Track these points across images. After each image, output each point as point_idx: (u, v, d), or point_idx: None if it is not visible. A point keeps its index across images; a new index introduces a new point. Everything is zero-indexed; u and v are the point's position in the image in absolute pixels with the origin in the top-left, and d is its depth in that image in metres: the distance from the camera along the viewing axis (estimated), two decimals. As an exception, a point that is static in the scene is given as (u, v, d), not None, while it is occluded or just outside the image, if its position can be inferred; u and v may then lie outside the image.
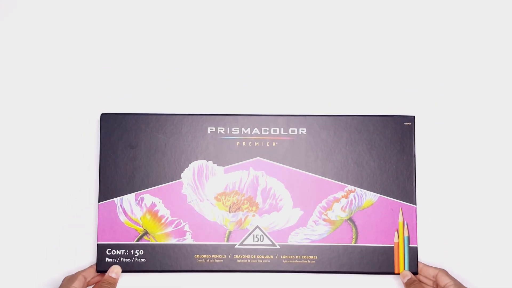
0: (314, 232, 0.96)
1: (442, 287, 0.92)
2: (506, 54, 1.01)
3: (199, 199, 0.96)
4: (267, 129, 0.97)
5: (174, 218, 0.96)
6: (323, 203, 0.96)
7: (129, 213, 0.96)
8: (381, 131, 0.97)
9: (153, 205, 0.96)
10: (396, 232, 0.95)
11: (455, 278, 0.93)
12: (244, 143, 0.97)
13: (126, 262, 0.95)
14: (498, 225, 0.98)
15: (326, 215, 0.96)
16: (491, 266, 0.98)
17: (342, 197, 0.96)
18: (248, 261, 0.95)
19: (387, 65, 1.01)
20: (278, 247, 0.96)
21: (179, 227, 0.96)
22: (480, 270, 0.97)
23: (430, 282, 0.94)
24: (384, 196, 0.96)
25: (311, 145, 0.97)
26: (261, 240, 0.96)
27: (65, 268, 0.97)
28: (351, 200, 0.96)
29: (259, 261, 0.95)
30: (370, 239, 0.95)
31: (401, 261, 0.95)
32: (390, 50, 1.01)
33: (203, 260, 0.95)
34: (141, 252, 0.95)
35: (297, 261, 0.95)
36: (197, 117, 0.97)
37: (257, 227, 0.96)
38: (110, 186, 0.96)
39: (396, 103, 1.00)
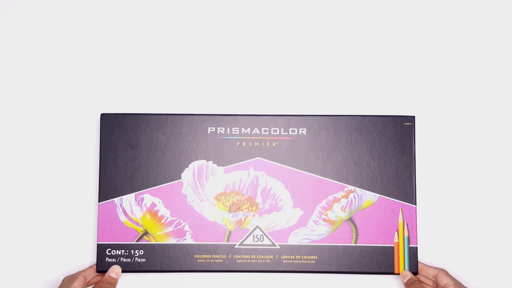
0: (314, 232, 0.96)
1: (442, 287, 0.92)
2: (506, 54, 1.01)
3: (199, 199, 0.96)
4: (267, 129, 0.97)
5: (174, 218, 0.96)
6: (323, 203, 0.96)
7: (129, 213, 0.96)
8: (381, 131, 0.97)
9: (153, 205, 0.96)
10: (396, 232, 0.95)
11: (455, 278, 0.93)
12: (244, 143, 0.97)
13: (126, 262, 0.95)
14: (498, 225, 0.98)
15: (326, 215, 0.96)
16: (491, 266, 0.98)
17: (342, 197, 0.96)
18: (248, 261, 0.95)
19: (387, 65, 1.01)
20: (278, 247, 0.96)
21: (179, 227, 0.96)
22: (480, 270, 0.97)
23: (430, 282, 0.94)
24: (384, 196, 0.96)
25: (311, 145, 0.97)
26: (261, 240, 0.96)
27: (65, 268, 0.97)
28: (351, 200, 0.96)
29: (259, 261, 0.95)
30: (370, 239, 0.95)
31: (401, 261, 0.95)
32: (390, 50, 1.01)
33: (203, 260, 0.95)
34: (141, 252, 0.95)
35: (297, 261, 0.95)
36: (197, 117, 0.97)
37: (257, 227, 0.96)
38: (110, 186, 0.96)
39: (396, 103, 1.00)
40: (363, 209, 0.96)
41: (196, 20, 1.02)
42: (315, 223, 0.96)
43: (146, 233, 0.96)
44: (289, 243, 0.95)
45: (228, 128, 0.97)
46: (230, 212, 0.96)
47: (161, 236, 0.95)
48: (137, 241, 0.95)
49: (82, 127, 0.99)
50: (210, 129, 0.97)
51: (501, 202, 0.99)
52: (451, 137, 1.00)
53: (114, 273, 0.94)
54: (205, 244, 0.95)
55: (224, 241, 0.95)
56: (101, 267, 0.95)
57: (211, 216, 0.96)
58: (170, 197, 0.96)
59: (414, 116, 0.97)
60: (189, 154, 0.96)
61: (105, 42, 1.01)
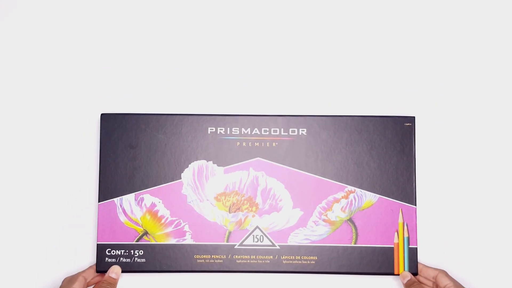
0: (314, 233, 0.96)
1: (442, 288, 0.92)
2: (506, 54, 1.01)
3: (199, 199, 0.96)
4: (267, 129, 0.97)
5: (174, 218, 0.96)
6: (323, 203, 0.96)
7: (129, 213, 0.96)
8: (381, 131, 0.97)
9: (153, 205, 0.96)
10: (396, 233, 0.95)
11: (455, 279, 0.93)
12: (244, 144, 0.97)
13: (126, 262, 0.95)
14: (498, 226, 0.98)
15: (326, 215, 0.96)
16: (491, 267, 0.98)
17: (342, 197, 0.96)
18: (248, 261, 0.95)
19: (387, 65, 1.01)
20: (278, 247, 0.96)
21: (179, 227, 0.96)
22: (480, 271, 0.97)
23: (430, 283, 0.94)
24: (384, 197, 0.96)
25: (311, 145, 0.97)
26: (261, 240, 0.96)
27: (65, 268, 0.97)
28: (351, 200, 0.96)
29: (258, 261, 0.95)
30: (370, 240, 0.95)
31: (401, 262, 0.95)
32: (390, 50, 1.01)
33: (203, 261, 0.95)
34: (141, 252, 0.95)
35: (297, 262, 0.95)
36: (197, 117, 0.97)
37: (257, 227, 0.96)
38: (110, 186, 0.96)
39: (396, 103, 1.00)
40: (363, 209, 0.96)
41: (196, 20, 1.02)
42: (315, 223, 0.96)
43: (146, 233, 0.96)
44: (289, 243, 0.95)
45: (228, 128, 0.97)
46: (230, 212, 0.96)
47: (161, 236, 0.95)
48: (137, 241, 0.95)
49: (82, 127, 0.99)
50: (210, 129, 0.97)
51: (501, 203, 0.99)
52: (451, 137, 1.00)
53: (114, 273, 0.94)
54: (205, 245, 0.95)
55: (224, 242, 0.95)
56: (101, 267, 0.95)
57: (211, 216, 0.96)
58: (170, 197, 0.96)
59: (414, 117, 0.97)
60: (189, 154, 0.96)
61: (105, 42, 1.01)
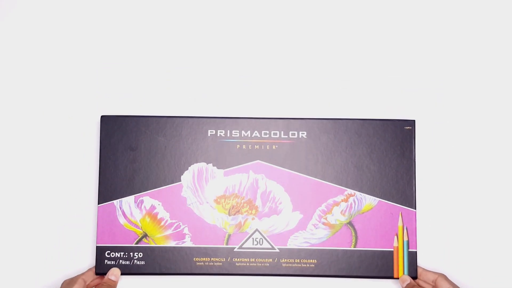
0: (314, 236, 0.96)
1: (441, 292, 0.92)
2: (506, 58, 1.01)
3: (198, 202, 0.96)
4: (267, 132, 0.97)
5: (174, 221, 0.96)
6: (323, 206, 0.96)
7: (128, 215, 0.95)
8: (381, 135, 0.97)
9: (153, 207, 0.96)
10: (395, 237, 0.95)
11: (455, 283, 0.93)
12: (244, 146, 0.97)
13: (125, 265, 0.95)
14: (498, 230, 0.98)
15: (326, 218, 0.96)
16: (490, 271, 0.98)
17: (342, 200, 0.96)
18: (247, 264, 0.95)
19: (387, 69, 1.01)
20: (277, 250, 0.96)
21: (179, 229, 0.95)
22: (479, 275, 0.97)
23: (429, 287, 0.94)
24: (383, 200, 0.96)
25: (311, 148, 0.97)
26: (261, 243, 0.96)
27: (64, 270, 0.97)
28: (351, 204, 0.96)
29: (258, 264, 0.95)
30: (370, 243, 0.95)
31: (401, 265, 0.95)
32: (390, 54, 1.01)
33: (202, 263, 0.95)
34: (140, 254, 0.95)
35: (296, 265, 0.95)
36: (197, 120, 0.97)
37: (257, 230, 0.96)
38: (109, 188, 0.96)
39: (396, 107, 1.00)
40: (363, 213, 0.96)
41: (196, 22, 1.02)
42: (315, 226, 0.96)
43: (145, 235, 0.95)
44: (289, 246, 0.95)
45: (228, 131, 0.97)
46: (229, 215, 0.96)
47: (161, 239, 0.95)
48: (136, 243, 0.95)
49: (82, 129, 0.99)
50: (210, 131, 0.97)
51: (501, 207, 0.99)
52: (451, 141, 1.00)
53: (114, 275, 0.94)
54: (205, 247, 0.95)
55: (223, 244, 0.95)
56: (100, 269, 0.95)
57: (210, 219, 0.96)
58: (170, 200, 0.96)
59: (414, 120, 0.97)
60: (189, 157, 0.96)
61: (105, 44, 1.01)
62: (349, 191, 0.96)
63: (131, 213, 0.95)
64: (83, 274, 0.94)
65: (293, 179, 0.96)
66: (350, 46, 1.01)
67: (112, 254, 0.95)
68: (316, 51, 1.01)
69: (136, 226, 0.95)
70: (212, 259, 0.95)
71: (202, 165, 0.96)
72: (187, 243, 0.95)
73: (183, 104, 1.00)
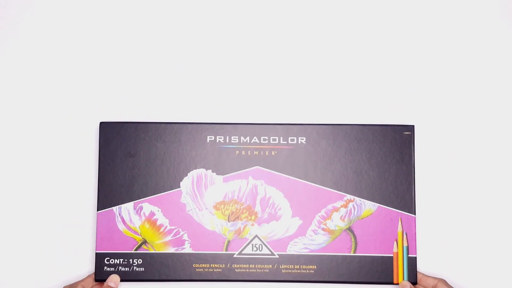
0: (313, 242, 0.95)
1: (441, 297, 0.92)
2: (505, 64, 1.01)
3: (198, 208, 0.96)
4: (266, 138, 0.97)
5: (173, 227, 0.95)
6: (322, 212, 0.96)
7: (127, 222, 0.95)
8: (381, 140, 0.97)
9: (152, 214, 0.96)
10: (395, 242, 0.95)
11: (454, 288, 0.93)
12: (243, 152, 0.97)
13: (125, 271, 0.95)
14: (498, 235, 0.98)
15: (325, 224, 0.96)
16: (490, 276, 0.98)
17: (341, 206, 0.96)
18: (247, 270, 0.95)
19: (386, 74, 1.01)
20: (277, 256, 0.95)
21: (178, 236, 0.95)
22: (479, 280, 0.97)
23: (429, 292, 0.94)
24: (383, 206, 0.96)
25: (310, 154, 0.97)
26: (260, 249, 0.95)
27: (64, 277, 0.96)
28: (350, 209, 0.96)
29: (257, 270, 0.95)
30: (369, 249, 0.95)
31: (400, 271, 0.95)
32: (389, 59, 1.01)
33: (202, 269, 0.95)
34: (140, 261, 0.95)
35: (296, 271, 0.95)
36: (196, 126, 0.97)
37: (256, 236, 0.96)
38: (109, 195, 0.95)
39: (396, 112, 1.00)
40: (362, 218, 0.96)
41: (195, 28, 1.02)
42: (314, 232, 0.96)
43: (144, 242, 0.95)
44: (288, 252, 0.95)
45: (227, 137, 0.97)
46: (229, 221, 0.96)
47: (160, 245, 0.95)
48: (135, 250, 0.95)
49: (81, 135, 0.99)
50: (209, 137, 0.97)
51: (501, 213, 0.99)
52: (450, 146, 1.00)
53: (113, 282, 0.94)
54: (204, 253, 0.95)
55: (223, 250, 0.95)
56: (100, 276, 0.94)
57: (210, 225, 0.96)
58: (169, 206, 0.96)
59: (413, 126, 0.97)
60: (188, 163, 0.96)
61: (104, 51, 1.01)
62: (349, 196, 0.96)
63: (130, 220, 0.95)
64: (82, 280, 0.94)
65: (292, 185, 0.96)
66: (350, 52, 1.01)
67: (112, 261, 0.95)
68: (315, 56, 1.01)
69: (136, 232, 0.95)
70: (211, 265, 0.95)
71: (201, 171, 0.96)
72: (187, 249, 0.95)
73: (182, 110, 1.00)
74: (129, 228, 0.95)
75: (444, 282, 0.93)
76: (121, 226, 0.95)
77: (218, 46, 1.01)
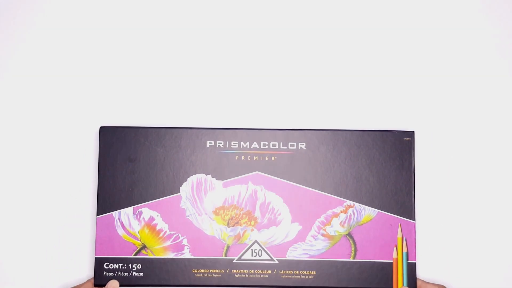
0: (313, 247, 0.95)
1: (441, 304, 0.92)
2: (506, 69, 1.01)
3: (197, 213, 0.96)
4: (266, 143, 0.97)
5: (173, 232, 0.95)
6: (322, 218, 0.96)
7: (127, 226, 0.95)
8: (381, 146, 0.97)
9: (152, 219, 0.96)
10: (394, 248, 0.95)
11: (454, 294, 0.93)
12: (243, 157, 0.97)
13: (124, 276, 0.94)
14: (498, 241, 0.98)
15: (325, 230, 0.96)
16: (491, 282, 0.97)
17: (341, 212, 0.96)
18: (246, 276, 0.95)
19: (386, 79, 1.01)
20: (276, 262, 0.95)
21: (177, 241, 0.95)
22: (479, 287, 0.97)
23: (428, 299, 0.94)
24: (383, 212, 0.96)
25: (310, 159, 0.97)
26: (260, 255, 0.95)
27: (63, 281, 0.96)
28: (350, 215, 0.96)
29: (257, 276, 0.95)
30: (369, 255, 0.95)
31: (400, 277, 0.95)
32: (389, 65, 1.01)
33: (201, 275, 0.95)
34: (139, 266, 0.95)
35: (296, 276, 0.95)
36: (196, 131, 0.97)
37: (256, 241, 0.96)
38: (108, 200, 0.95)
39: (396, 118, 1.00)
40: (362, 224, 0.96)
41: (194, 33, 1.02)
42: (314, 238, 0.96)
43: (144, 247, 0.95)
44: (288, 258, 0.95)
45: (227, 142, 0.97)
46: (228, 226, 0.96)
47: (159, 250, 0.95)
48: (135, 255, 0.95)
49: (81, 140, 0.99)
50: (209, 143, 0.97)
51: (501, 219, 0.98)
52: (450, 152, 1.00)
53: (112, 287, 0.93)
54: (203, 259, 0.95)
55: (222, 256, 0.95)
56: (99, 281, 0.94)
57: (209, 230, 0.96)
58: (169, 211, 0.96)
59: (413, 131, 0.97)
60: (188, 168, 0.96)
61: (104, 54, 1.01)
62: (348, 202, 0.96)
63: (130, 225, 0.95)
64: (81, 285, 0.94)
65: (292, 190, 0.96)
66: (350, 57, 1.01)
67: (111, 266, 0.95)
68: (315, 62, 1.01)
69: (135, 237, 0.95)
70: (211, 270, 0.95)
71: (201, 176, 0.96)
72: (186, 254, 0.95)
73: (182, 115, 1.00)
74: (128, 233, 0.95)
75: (443, 288, 0.93)
76: (120, 231, 0.95)
77: (219, 51, 1.01)
